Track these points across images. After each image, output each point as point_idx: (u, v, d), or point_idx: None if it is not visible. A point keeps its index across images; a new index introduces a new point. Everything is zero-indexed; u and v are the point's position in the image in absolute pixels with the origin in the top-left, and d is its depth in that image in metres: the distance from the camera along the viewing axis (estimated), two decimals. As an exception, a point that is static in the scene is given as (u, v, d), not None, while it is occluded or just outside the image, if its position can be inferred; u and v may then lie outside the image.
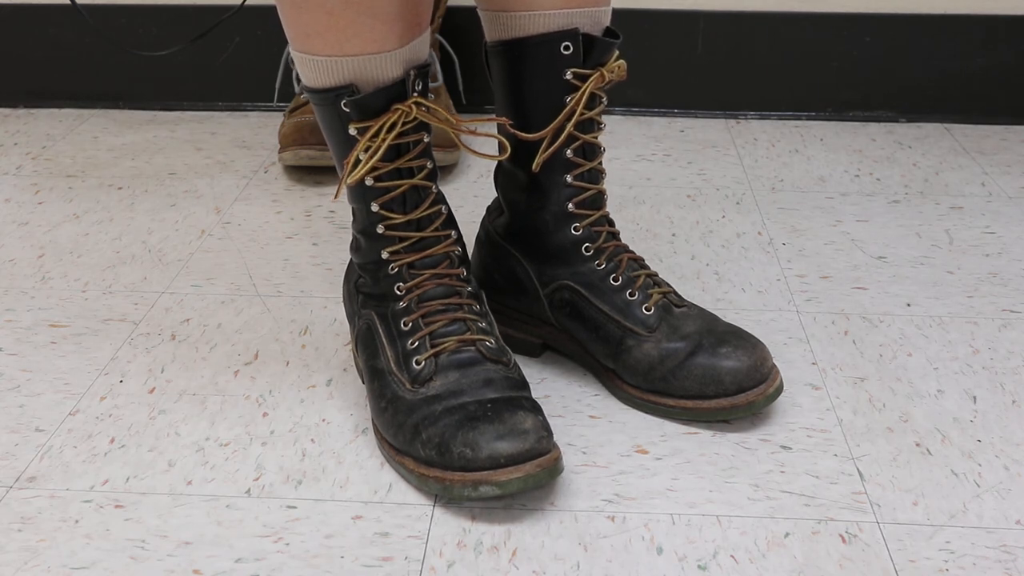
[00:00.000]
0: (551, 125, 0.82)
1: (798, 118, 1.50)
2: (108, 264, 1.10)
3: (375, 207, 0.80)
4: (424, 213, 0.81)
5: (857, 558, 0.71)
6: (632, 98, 1.51)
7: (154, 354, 0.94)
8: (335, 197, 0.81)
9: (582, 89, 0.82)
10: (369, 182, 0.79)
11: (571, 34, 0.80)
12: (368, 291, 0.84)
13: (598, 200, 0.87)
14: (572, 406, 0.86)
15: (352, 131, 0.77)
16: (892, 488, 0.77)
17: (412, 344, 0.79)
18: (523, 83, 0.83)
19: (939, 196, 1.25)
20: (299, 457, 0.80)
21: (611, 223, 0.88)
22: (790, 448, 0.81)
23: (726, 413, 0.81)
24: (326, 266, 1.09)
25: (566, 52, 0.81)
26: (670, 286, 0.88)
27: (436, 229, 0.81)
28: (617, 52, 0.84)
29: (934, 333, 0.97)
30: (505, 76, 0.84)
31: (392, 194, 0.79)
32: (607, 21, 0.84)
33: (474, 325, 0.80)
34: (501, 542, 0.72)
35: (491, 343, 0.79)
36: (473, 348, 0.79)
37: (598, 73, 0.82)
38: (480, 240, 0.94)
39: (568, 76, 0.82)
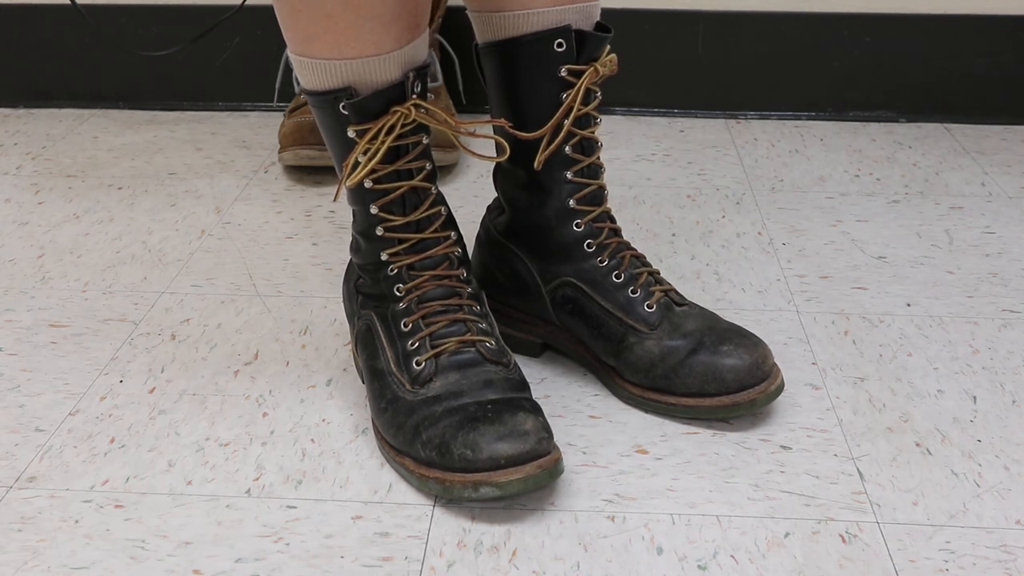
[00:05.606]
0: (549, 123, 0.82)
1: (798, 118, 1.50)
2: (108, 264, 1.10)
3: (374, 209, 0.79)
4: (423, 214, 0.80)
5: (857, 558, 0.71)
6: (632, 98, 1.51)
7: (154, 354, 0.94)
8: (335, 198, 0.81)
9: (577, 85, 0.82)
10: (368, 184, 0.79)
11: (563, 31, 0.81)
12: (368, 291, 0.84)
13: (599, 196, 0.87)
14: (572, 406, 0.86)
15: (351, 133, 0.77)
16: (892, 488, 0.77)
17: (412, 345, 0.79)
18: (518, 82, 0.83)
19: (939, 196, 1.25)
20: (299, 457, 0.80)
21: (612, 220, 0.88)
22: (790, 448, 0.81)
23: (727, 411, 0.81)
24: (326, 266, 1.09)
25: (559, 49, 0.81)
26: (670, 284, 0.88)
27: (435, 230, 0.81)
28: (608, 47, 0.84)
29: (934, 333, 0.96)
30: (499, 76, 0.84)
31: (391, 196, 0.79)
32: (597, 16, 0.84)
33: (474, 326, 0.80)
34: (501, 542, 0.72)
35: (491, 344, 0.79)
36: (473, 349, 0.79)
37: (592, 68, 0.82)
38: (481, 239, 0.94)
39: (562, 73, 0.82)
